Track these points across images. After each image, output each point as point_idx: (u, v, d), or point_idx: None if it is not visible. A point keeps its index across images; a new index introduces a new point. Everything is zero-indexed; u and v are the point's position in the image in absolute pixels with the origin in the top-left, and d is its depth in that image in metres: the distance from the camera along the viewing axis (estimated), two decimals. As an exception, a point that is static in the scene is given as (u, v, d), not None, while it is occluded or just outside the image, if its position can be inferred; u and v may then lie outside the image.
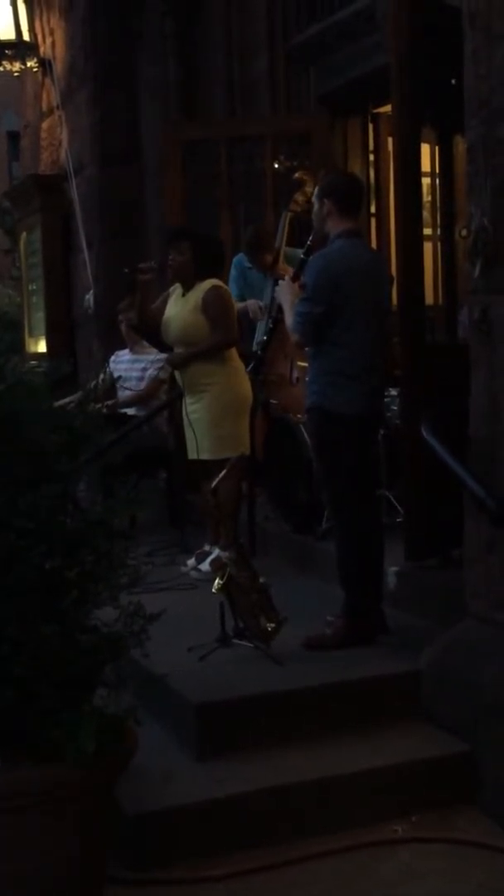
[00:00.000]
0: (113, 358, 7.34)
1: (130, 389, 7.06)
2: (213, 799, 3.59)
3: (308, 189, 6.28)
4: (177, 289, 5.65)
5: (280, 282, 4.89)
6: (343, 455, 4.45)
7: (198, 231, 6.04)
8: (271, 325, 5.27)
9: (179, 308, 5.59)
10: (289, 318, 4.56)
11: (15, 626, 3.06)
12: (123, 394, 7.09)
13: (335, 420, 4.41)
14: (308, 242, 4.87)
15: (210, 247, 5.67)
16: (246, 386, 5.62)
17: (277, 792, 3.65)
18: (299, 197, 6.33)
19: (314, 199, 4.58)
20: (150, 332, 5.98)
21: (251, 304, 6.41)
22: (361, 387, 4.43)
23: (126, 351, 7.24)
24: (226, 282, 6.44)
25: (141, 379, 7.07)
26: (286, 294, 4.68)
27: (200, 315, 5.49)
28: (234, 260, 6.67)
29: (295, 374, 6.28)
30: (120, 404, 6.99)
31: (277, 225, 6.47)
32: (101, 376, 6.93)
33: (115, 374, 7.15)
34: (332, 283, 4.34)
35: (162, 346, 6.20)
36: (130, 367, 7.15)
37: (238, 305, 6.44)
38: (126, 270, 5.87)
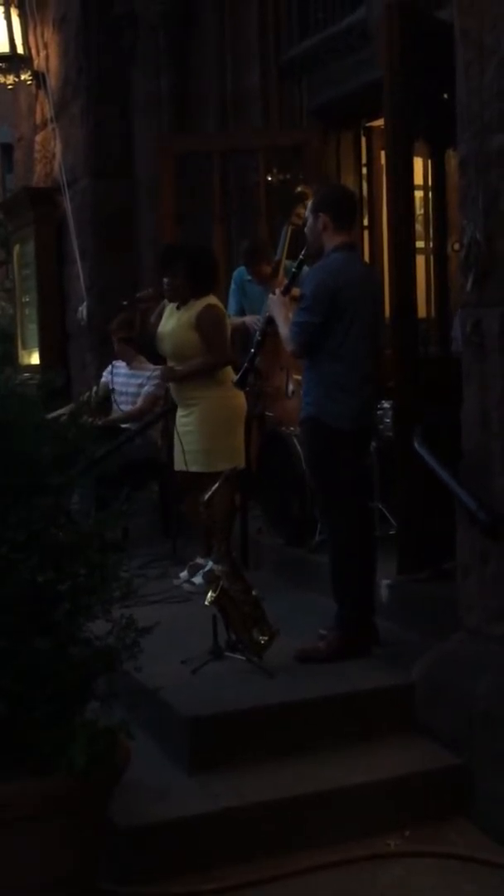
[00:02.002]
0: (109, 368, 7.32)
1: (126, 404, 7.06)
2: (207, 813, 3.58)
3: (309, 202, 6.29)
4: (170, 304, 5.67)
5: (270, 295, 4.88)
6: (337, 467, 4.45)
7: (188, 246, 6.05)
8: (259, 338, 5.26)
9: (174, 324, 5.60)
10: (283, 331, 4.56)
11: (6, 639, 3.06)
12: (119, 409, 7.09)
13: (330, 432, 4.42)
14: (301, 256, 4.88)
15: (203, 262, 5.67)
16: (239, 398, 5.63)
17: (271, 806, 3.64)
18: (301, 210, 6.34)
19: (308, 212, 4.59)
20: (152, 351, 6.01)
21: (249, 319, 6.41)
22: (356, 399, 4.45)
23: (124, 363, 7.23)
24: (224, 294, 6.46)
25: (137, 394, 7.06)
26: (278, 307, 4.68)
27: (194, 332, 5.50)
28: (234, 274, 6.67)
29: (290, 387, 6.28)
30: (115, 420, 6.98)
31: (279, 238, 6.48)
32: (94, 388, 6.95)
33: (111, 387, 7.15)
34: (330, 295, 4.35)
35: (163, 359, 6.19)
36: (127, 381, 7.13)
37: (236, 320, 6.45)
38: (125, 303, 5.95)
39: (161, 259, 5.90)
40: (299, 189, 6.36)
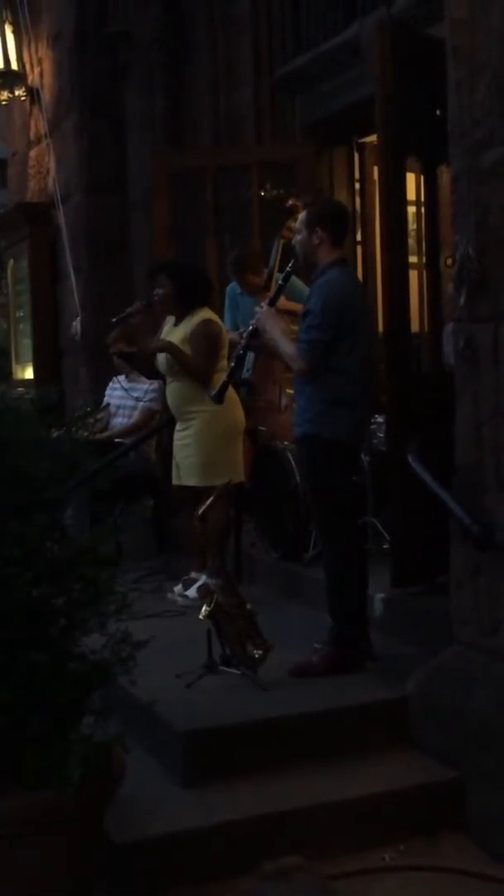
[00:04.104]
0: (111, 384, 7.36)
1: (123, 418, 7.09)
2: (201, 827, 3.58)
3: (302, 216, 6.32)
4: (170, 319, 5.70)
5: (258, 308, 4.85)
6: (336, 483, 4.46)
7: (178, 262, 6.07)
8: (240, 352, 5.24)
9: (170, 338, 5.62)
10: (285, 346, 4.54)
11: (2, 654, 3.06)
12: (117, 422, 7.11)
13: (328, 448, 4.42)
14: (288, 268, 4.87)
15: (190, 276, 5.68)
16: (236, 413, 5.63)
17: (265, 820, 3.64)
18: (292, 224, 6.36)
19: (300, 226, 4.60)
20: (152, 373, 6.05)
21: (234, 335, 6.41)
22: (353, 414, 4.46)
23: (123, 377, 7.26)
24: (220, 310, 6.47)
25: (135, 408, 7.08)
26: (273, 321, 4.64)
27: (188, 347, 5.52)
28: (227, 289, 6.68)
29: (284, 401, 6.29)
30: (113, 435, 6.99)
31: (270, 251, 6.50)
32: (101, 410, 6.98)
33: (109, 401, 7.18)
34: (338, 311, 4.37)
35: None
36: (125, 395, 7.16)
37: (233, 335, 6.47)
38: (113, 320, 6.00)
39: (148, 272, 5.94)
40: (290, 202, 6.38)
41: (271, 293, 6.11)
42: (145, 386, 6.98)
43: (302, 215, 4.65)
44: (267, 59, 7.48)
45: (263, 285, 6.38)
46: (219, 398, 5.26)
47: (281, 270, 6.37)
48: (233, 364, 5.31)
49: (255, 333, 4.77)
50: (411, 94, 4.85)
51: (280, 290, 4.87)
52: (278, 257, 6.40)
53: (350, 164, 7.53)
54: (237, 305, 6.61)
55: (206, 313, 5.64)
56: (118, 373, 7.26)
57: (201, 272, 5.94)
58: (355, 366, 4.42)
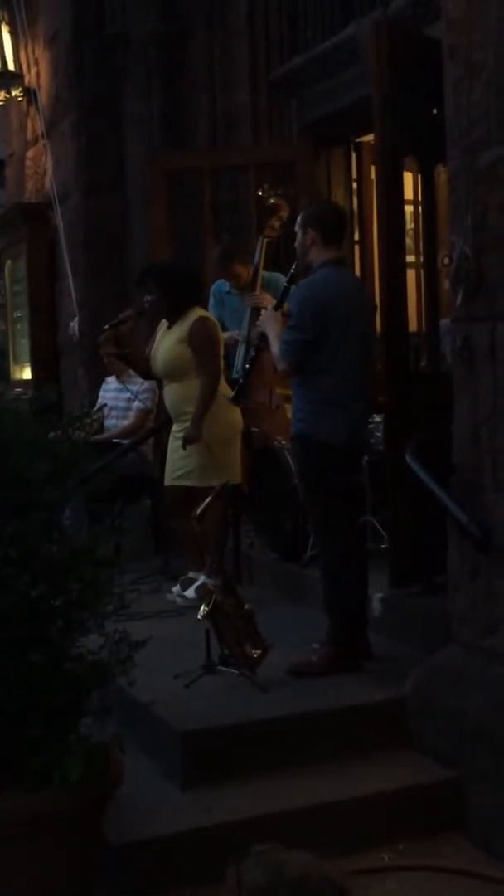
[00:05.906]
0: (103, 384, 7.37)
1: (116, 418, 7.10)
2: (200, 828, 3.58)
3: (283, 214, 6.33)
4: (164, 323, 5.70)
5: (263, 311, 4.88)
6: (329, 483, 4.46)
7: (164, 266, 6.04)
8: (253, 354, 5.26)
9: (166, 342, 5.62)
10: (275, 348, 4.56)
11: (1, 655, 3.06)
12: (110, 423, 7.11)
13: (321, 448, 4.42)
14: (292, 271, 4.89)
15: (177, 280, 5.65)
16: (233, 414, 5.62)
17: (263, 820, 3.63)
18: (275, 222, 6.37)
19: (297, 228, 4.61)
20: (147, 376, 6.08)
21: (228, 336, 6.43)
22: (347, 415, 4.45)
23: (114, 378, 7.26)
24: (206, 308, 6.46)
25: (128, 409, 7.08)
26: (271, 323, 4.66)
27: (186, 347, 5.50)
28: (212, 287, 6.66)
29: (275, 402, 6.29)
30: (108, 437, 6.99)
31: (254, 251, 6.49)
32: (97, 410, 6.99)
33: (102, 402, 7.18)
34: (318, 311, 4.36)
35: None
36: (117, 395, 7.16)
37: (225, 335, 6.46)
38: (106, 327, 6.04)
39: (136, 279, 5.96)
40: (272, 201, 6.38)
41: (261, 293, 6.18)
42: (136, 386, 6.97)
43: (299, 217, 4.66)
44: (264, 59, 7.48)
45: (251, 284, 6.36)
46: (238, 400, 5.31)
47: (266, 269, 6.39)
48: (247, 366, 5.34)
49: (264, 336, 4.81)
50: (408, 95, 4.85)
51: (286, 293, 4.88)
52: (262, 256, 6.40)
53: (348, 164, 7.53)
54: (223, 304, 6.59)
55: (198, 311, 5.63)
56: (110, 374, 7.27)
57: (189, 273, 5.87)
58: (347, 366, 4.41)
